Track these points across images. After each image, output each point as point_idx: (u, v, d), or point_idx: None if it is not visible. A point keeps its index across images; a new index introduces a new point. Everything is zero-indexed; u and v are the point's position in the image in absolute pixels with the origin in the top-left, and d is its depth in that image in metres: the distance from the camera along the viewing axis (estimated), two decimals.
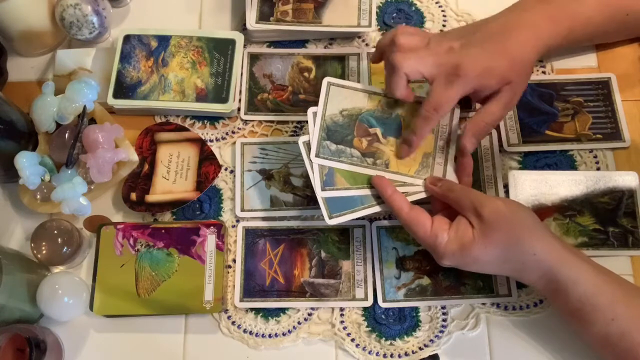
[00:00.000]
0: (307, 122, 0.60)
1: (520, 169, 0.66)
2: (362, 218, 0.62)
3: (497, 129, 0.67)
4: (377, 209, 0.58)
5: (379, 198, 0.58)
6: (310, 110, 0.60)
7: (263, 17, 0.70)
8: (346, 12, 0.70)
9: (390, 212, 0.60)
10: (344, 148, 0.59)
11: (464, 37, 0.58)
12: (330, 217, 0.57)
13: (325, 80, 0.61)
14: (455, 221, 0.55)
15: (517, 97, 0.59)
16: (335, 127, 0.60)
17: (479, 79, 0.56)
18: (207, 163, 0.66)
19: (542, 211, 0.63)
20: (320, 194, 0.57)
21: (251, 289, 0.62)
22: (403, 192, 0.57)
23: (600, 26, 0.64)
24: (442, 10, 0.74)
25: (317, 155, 0.58)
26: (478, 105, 0.62)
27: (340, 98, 0.61)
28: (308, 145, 0.59)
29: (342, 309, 0.62)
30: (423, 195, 0.59)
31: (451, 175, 0.60)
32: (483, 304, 0.61)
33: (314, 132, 0.59)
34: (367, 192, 0.58)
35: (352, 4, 0.70)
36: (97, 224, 0.64)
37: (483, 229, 0.53)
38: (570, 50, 0.70)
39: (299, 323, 0.61)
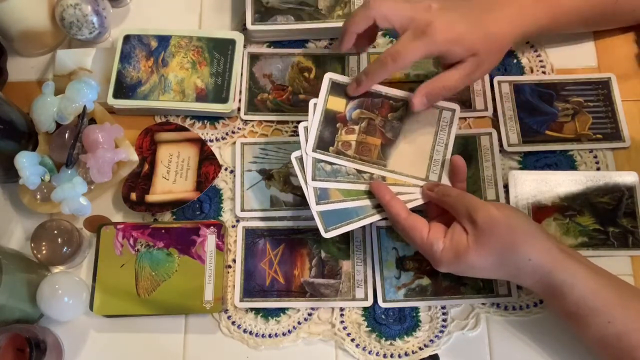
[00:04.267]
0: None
1: (520, 169, 0.66)
2: None
3: (497, 129, 0.67)
4: (372, 218, 0.58)
5: (375, 208, 0.58)
6: (302, 125, 0.59)
7: (322, 145, 0.59)
8: (416, 161, 0.61)
9: (386, 220, 0.59)
10: (338, 167, 0.59)
11: (446, 3, 0.57)
12: (327, 231, 0.57)
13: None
14: (450, 228, 0.54)
15: (482, 71, 0.60)
16: (322, 131, 0.60)
17: (446, 44, 0.56)
18: (207, 163, 0.66)
19: (542, 211, 0.63)
20: (315, 209, 0.57)
21: (251, 289, 0.62)
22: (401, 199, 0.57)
23: (587, 14, 0.64)
24: None
25: (313, 179, 0.58)
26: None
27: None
28: (301, 160, 0.59)
29: (342, 309, 0.62)
30: (420, 202, 0.59)
31: (446, 180, 0.60)
32: (483, 304, 0.61)
33: (306, 149, 0.59)
34: (362, 202, 0.58)
35: (423, 153, 0.61)
36: (97, 224, 0.64)
37: (477, 236, 0.52)
38: (568, 41, 0.71)
39: (299, 323, 0.61)
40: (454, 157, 0.59)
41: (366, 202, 0.58)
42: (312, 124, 0.60)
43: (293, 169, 0.66)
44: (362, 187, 0.59)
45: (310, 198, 0.58)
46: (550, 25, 0.62)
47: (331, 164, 0.59)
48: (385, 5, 0.57)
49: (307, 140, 0.59)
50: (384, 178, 0.59)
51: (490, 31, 0.58)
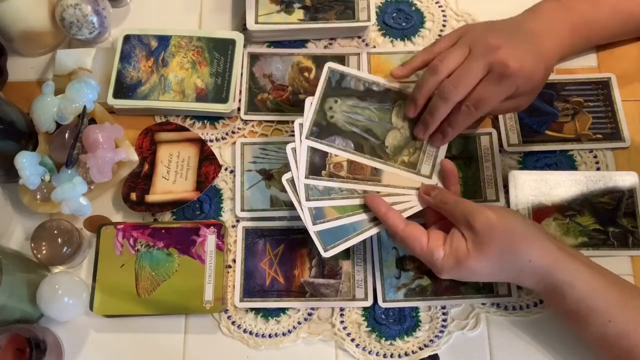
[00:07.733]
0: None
1: (520, 169, 0.66)
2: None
3: (497, 129, 0.67)
4: (370, 232, 0.57)
5: (371, 221, 0.58)
6: (289, 147, 0.59)
7: (313, 171, 0.59)
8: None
9: (385, 231, 0.59)
10: (331, 186, 0.58)
11: (508, 37, 0.57)
12: (326, 250, 0.56)
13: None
14: (449, 235, 0.54)
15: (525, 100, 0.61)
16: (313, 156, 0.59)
17: (523, 81, 0.56)
18: (207, 163, 0.66)
19: (542, 211, 0.63)
20: (312, 229, 0.57)
21: (251, 289, 0.62)
22: (397, 209, 0.57)
23: (615, 30, 0.66)
24: (442, 10, 0.74)
25: (307, 199, 0.58)
26: None
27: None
28: (292, 182, 0.58)
29: (342, 309, 0.62)
30: (418, 209, 0.58)
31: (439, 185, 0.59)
32: (483, 304, 0.61)
33: (298, 171, 0.58)
34: (358, 217, 0.58)
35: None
36: (97, 224, 0.64)
37: (476, 242, 0.52)
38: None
39: (299, 323, 0.61)
40: (442, 161, 0.59)
41: (362, 217, 0.58)
42: (301, 148, 0.59)
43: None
44: (357, 201, 0.58)
45: (306, 219, 0.57)
46: (586, 45, 0.66)
47: (317, 173, 0.59)
48: (462, 86, 0.57)
49: (297, 162, 0.58)
50: (377, 192, 0.59)
51: (548, 63, 0.59)
